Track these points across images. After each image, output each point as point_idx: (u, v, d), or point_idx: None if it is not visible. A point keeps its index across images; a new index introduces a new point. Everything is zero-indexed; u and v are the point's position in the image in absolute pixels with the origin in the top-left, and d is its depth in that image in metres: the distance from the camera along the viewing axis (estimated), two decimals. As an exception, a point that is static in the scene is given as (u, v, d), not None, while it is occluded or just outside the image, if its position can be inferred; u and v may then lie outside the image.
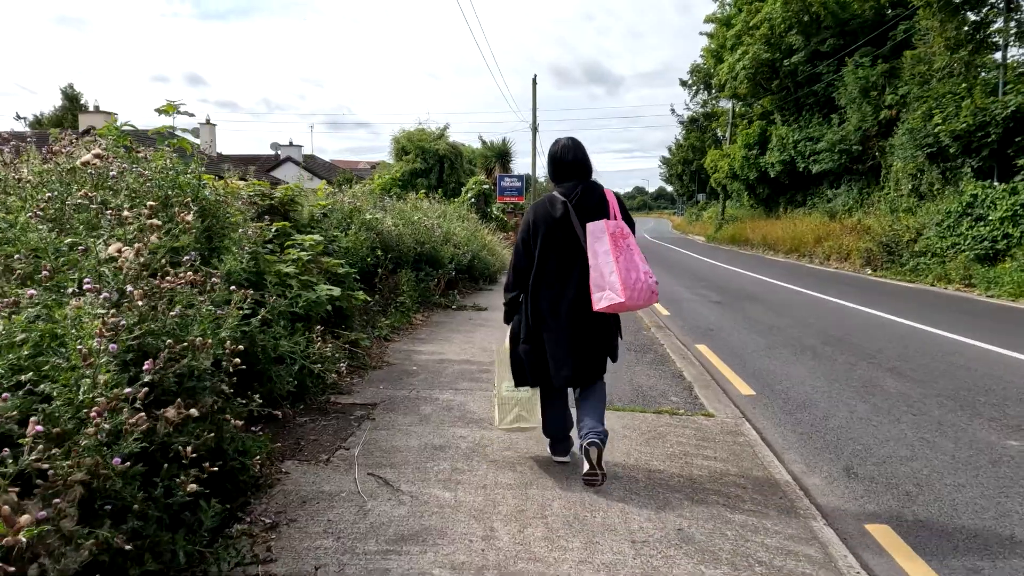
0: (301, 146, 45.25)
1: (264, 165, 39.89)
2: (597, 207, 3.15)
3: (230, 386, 2.67)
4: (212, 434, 2.25)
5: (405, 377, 5.12)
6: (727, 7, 32.22)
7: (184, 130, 4.56)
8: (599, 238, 3.07)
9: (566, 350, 3.16)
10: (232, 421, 2.44)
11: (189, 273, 2.44)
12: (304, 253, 4.69)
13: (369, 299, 6.41)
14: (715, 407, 4.63)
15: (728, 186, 37.42)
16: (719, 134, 51.88)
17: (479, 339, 6.77)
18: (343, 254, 6.79)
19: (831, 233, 21.52)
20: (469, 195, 19.54)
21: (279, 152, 44.03)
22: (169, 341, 2.16)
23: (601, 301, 3.03)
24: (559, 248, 3.15)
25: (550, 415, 3.41)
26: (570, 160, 3.21)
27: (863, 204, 23.97)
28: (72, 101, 49.79)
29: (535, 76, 33.20)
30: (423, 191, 15.71)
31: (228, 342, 2.49)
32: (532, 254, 3.20)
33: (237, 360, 2.51)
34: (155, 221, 2.49)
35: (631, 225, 3.22)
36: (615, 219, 3.14)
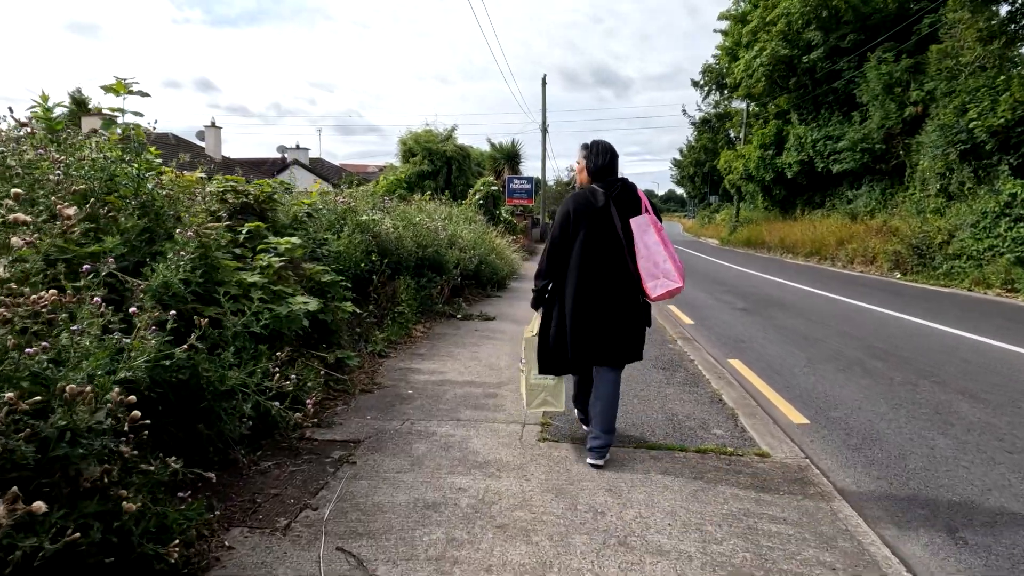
0: (308, 149, 44.83)
1: (271, 169, 39.42)
2: (633, 203, 3.37)
3: (137, 444, 1.94)
4: (77, 532, 1.50)
5: (398, 403, 4.37)
6: (742, 3, 31.37)
7: (137, 113, 3.84)
8: (646, 231, 3.29)
9: (602, 333, 3.33)
10: (125, 503, 1.70)
11: (52, 292, 1.70)
12: (276, 259, 3.96)
13: (360, 311, 5.68)
14: (768, 443, 3.84)
15: (743, 187, 36.46)
16: (732, 135, 51.00)
17: (486, 355, 6.02)
18: (333, 259, 6.07)
19: (854, 235, 20.60)
20: (476, 196, 18.80)
21: (285, 155, 43.64)
22: (9, 395, 1.42)
23: (657, 288, 3.25)
24: (598, 237, 3.31)
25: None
26: (611, 160, 3.45)
27: (886, 205, 23.04)
28: (80, 105, 49.69)
29: (544, 76, 32.55)
30: (429, 193, 15.02)
31: (117, 389, 1.74)
32: (570, 242, 3.35)
33: (136, 413, 1.77)
34: (20, 215, 1.77)
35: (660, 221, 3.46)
36: (649, 214, 3.35)
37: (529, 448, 3.59)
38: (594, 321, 3.31)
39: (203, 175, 4.24)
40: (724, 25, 32.84)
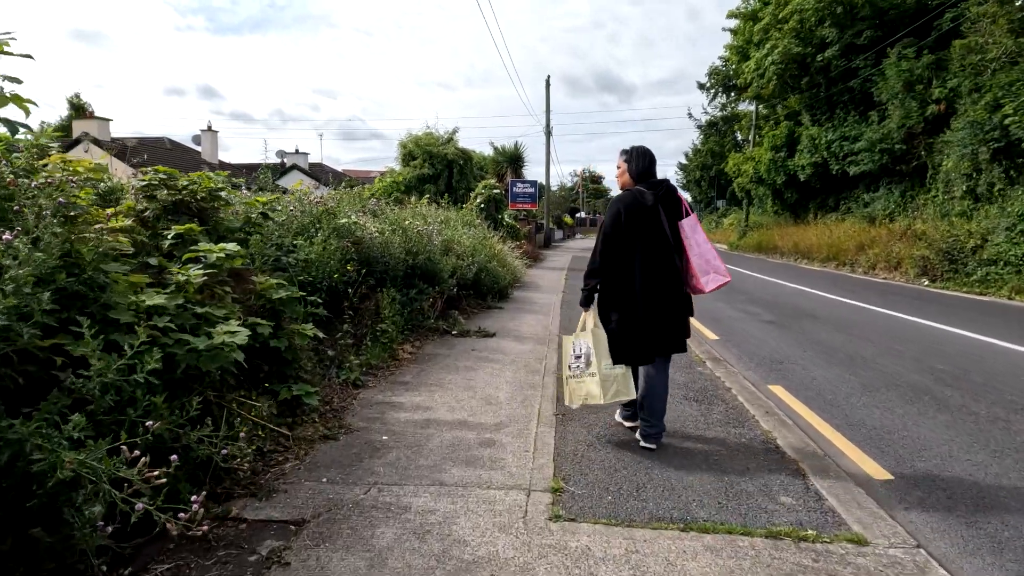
0: (307, 153, 44.12)
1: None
2: (676, 203, 3.58)
3: None
4: None
5: (367, 457, 3.40)
6: (752, 1, 30.45)
7: (14, 79, 2.88)
8: (696, 229, 3.57)
9: (660, 325, 3.52)
10: None
11: None
12: (201, 271, 2.99)
13: (328, 334, 4.72)
14: (858, 518, 2.85)
15: (752, 191, 35.39)
16: (739, 138, 50.08)
17: (483, 382, 5.04)
18: (301, 269, 5.13)
19: (875, 240, 19.55)
20: (478, 200, 17.85)
21: (284, 160, 42.88)
22: None
23: (710, 283, 3.51)
24: (649, 234, 3.48)
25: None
26: (651, 164, 3.65)
27: (906, 208, 22.02)
28: (78, 111, 49.04)
29: (548, 77, 31.74)
30: (427, 196, 14.11)
31: None
32: (623, 241, 3.49)
33: None
34: None
35: None
36: (692, 214, 3.59)
37: (536, 532, 2.61)
38: (652, 314, 3.50)
39: (104, 162, 3.28)
40: (733, 23, 31.89)
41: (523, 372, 5.44)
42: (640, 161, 3.61)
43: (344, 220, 6.14)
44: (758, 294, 12.94)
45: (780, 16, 25.60)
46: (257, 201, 4.36)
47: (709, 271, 3.48)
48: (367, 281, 6.38)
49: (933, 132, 20.39)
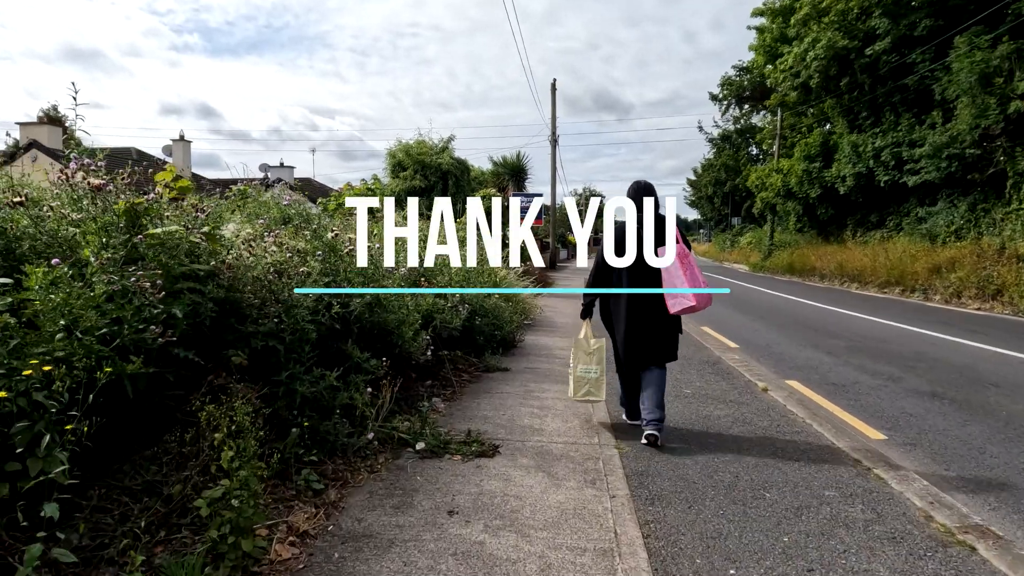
0: (292, 167, 40.83)
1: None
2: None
3: None
4: None
5: None
6: (780, -5, 27.44)
7: None
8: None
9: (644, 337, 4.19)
10: None
11: None
12: None
13: None
14: None
15: (779, 206, 32.02)
16: (754, 151, 47.04)
17: None
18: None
19: (957, 262, 16.12)
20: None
21: (268, 174, 39.63)
22: None
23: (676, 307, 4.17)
24: (637, 260, 4.10)
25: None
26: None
27: (977, 223, 18.67)
28: (56, 124, 46.01)
29: (554, 81, 28.58)
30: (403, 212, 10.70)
31: None
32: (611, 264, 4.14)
33: None
34: None
35: None
36: None
37: None
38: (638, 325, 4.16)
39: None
40: (758, 22, 28.85)
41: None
42: (640, 194, 4.09)
43: (160, 231, 2.72)
44: (848, 335, 9.45)
45: (822, 6, 22.46)
46: None
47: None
48: (237, 356, 2.98)
49: (1016, 135, 17.14)
